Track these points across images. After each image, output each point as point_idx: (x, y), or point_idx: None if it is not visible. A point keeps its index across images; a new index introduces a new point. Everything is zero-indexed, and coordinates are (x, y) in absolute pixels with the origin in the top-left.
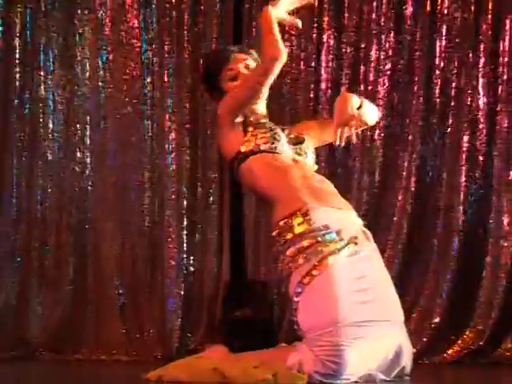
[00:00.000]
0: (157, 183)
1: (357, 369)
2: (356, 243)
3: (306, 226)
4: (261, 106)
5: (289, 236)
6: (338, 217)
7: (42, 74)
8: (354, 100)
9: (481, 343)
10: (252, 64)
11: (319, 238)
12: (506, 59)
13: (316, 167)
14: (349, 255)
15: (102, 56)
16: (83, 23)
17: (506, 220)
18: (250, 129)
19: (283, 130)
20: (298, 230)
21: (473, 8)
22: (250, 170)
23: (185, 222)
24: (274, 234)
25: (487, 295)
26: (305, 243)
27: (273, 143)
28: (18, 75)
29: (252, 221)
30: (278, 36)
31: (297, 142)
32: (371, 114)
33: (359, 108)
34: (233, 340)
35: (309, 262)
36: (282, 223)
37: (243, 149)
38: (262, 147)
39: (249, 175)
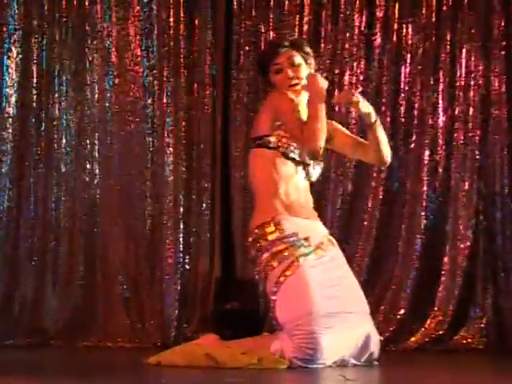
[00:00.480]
0: (157, 192)
1: (331, 354)
2: (322, 249)
3: (277, 234)
4: (303, 104)
5: (263, 243)
6: (306, 226)
7: (56, 96)
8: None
9: (440, 332)
10: (299, 60)
11: (290, 244)
12: (462, 83)
13: (316, 179)
14: (316, 259)
15: (108, 80)
16: (92, 51)
17: (461, 225)
18: (284, 127)
19: None
20: (270, 237)
21: (433, 39)
22: (257, 158)
23: (181, 226)
24: (249, 240)
25: (446, 290)
26: (278, 248)
27: (290, 147)
28: (35, 97)
29: (240, 225)
30: (324, 126)
31: (313, 157)
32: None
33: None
34: (223, 329)
35: (282, 263)
36: (256, 231)
37: (266, 138)
38: (281, 149)
39: (254, 160)
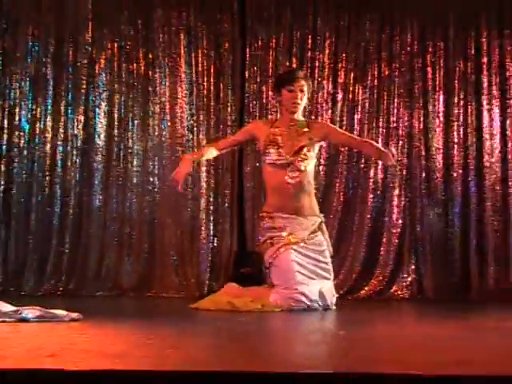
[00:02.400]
0: (195, 196)
1: (304, 304)
2: (305, 241)
3: (270, 224)
4: (300, 114)
5: (263, 226)
6: (290, 222)
7: (129, 133)
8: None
9: (381, 288)
10: (305, 89)
11: (279, 233)
12: (394, 125)
13: (310, 168)
14: (300, 247)
15: (163, 124)
16: (153, 104)
17: (394, 217)
18: (269, 143)
19: (296, 137)
20: (266, 225)
21: (375, 96)
22: (262, 167)
23: (211, 218)
24: (259, 216)
25: (384, 260)
26: (272, 234)
27: (273, 155)
28: (116, 133)
29: (250, 217)
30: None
31: (298, 151)
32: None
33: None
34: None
35: (274, 246)
36: (262, 214)
37: (261, 154)
38: (268, 161)
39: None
